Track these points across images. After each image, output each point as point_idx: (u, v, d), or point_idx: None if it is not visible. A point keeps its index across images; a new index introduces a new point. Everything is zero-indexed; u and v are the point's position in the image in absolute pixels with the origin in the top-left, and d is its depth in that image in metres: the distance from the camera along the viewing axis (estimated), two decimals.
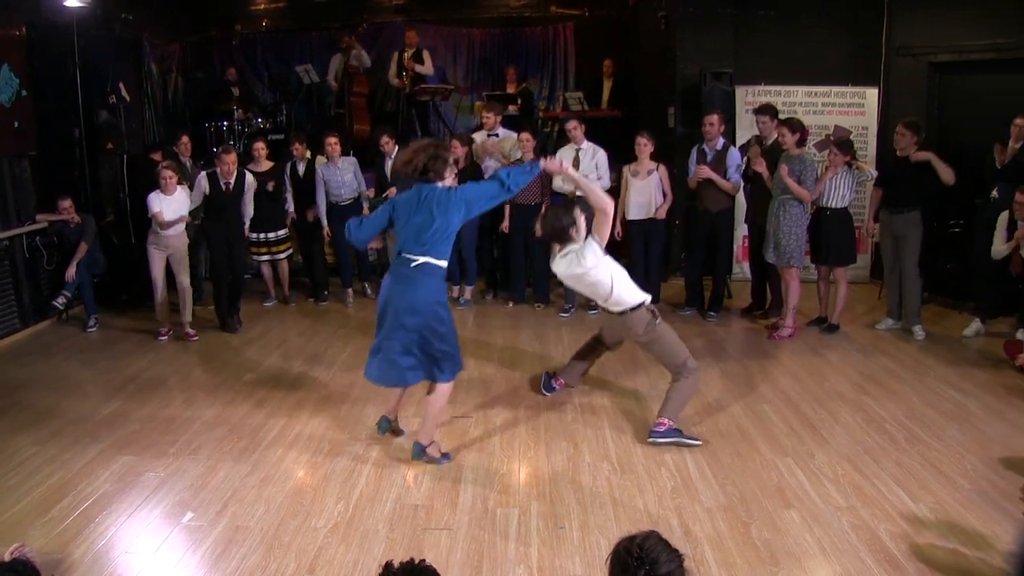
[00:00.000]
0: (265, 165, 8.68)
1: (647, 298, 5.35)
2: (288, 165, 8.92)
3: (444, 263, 4.89)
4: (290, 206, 8.99)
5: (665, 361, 5.47)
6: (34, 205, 8.47)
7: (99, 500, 4.69)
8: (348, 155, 9.24)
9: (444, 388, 5.03)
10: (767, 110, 7.90)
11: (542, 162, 5.09)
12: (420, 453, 5.04)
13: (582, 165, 8.07)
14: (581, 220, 5.25)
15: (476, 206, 4.93)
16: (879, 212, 7.60)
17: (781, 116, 7.83)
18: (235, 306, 8.29)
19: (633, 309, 5.29)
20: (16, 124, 8.23)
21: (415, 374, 4.93)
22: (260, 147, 8.73)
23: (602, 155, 8.20)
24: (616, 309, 5.35)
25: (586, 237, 5.24)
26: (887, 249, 7.59)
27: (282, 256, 8.99)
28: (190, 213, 8.01)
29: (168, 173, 7.69)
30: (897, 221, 7.36)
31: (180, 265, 7.97)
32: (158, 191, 7.71)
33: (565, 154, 8.21)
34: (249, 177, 8.21)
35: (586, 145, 8.19)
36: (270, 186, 8.58)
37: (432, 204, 4.79)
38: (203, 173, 8.09)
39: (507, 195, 4.96)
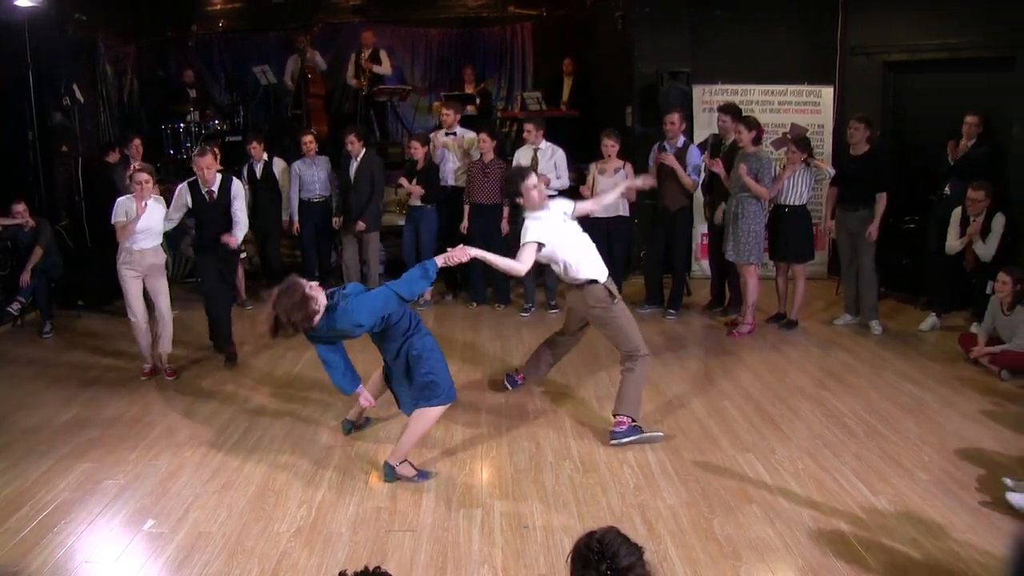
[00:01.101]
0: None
1: (605, 275, 5.38)
2: (245, 167, 8.84)
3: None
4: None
5: (620, 342, 5.42)
6: None
7: (57, 509, 4.61)
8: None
9: (428, 413, 4.90)
10: (729, 109, 7.98)
11: (439, 260, 4.82)
12: (390, 473, 4.87)
13: (540, 165, 8.09)
14: (531, 191, 5.25)
15: (388, 318, 4.68)
16: (835, 209, 7.70)
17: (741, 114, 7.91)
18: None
19: (590, 282, 5.32)
20: None
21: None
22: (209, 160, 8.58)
23: (560, 155, 8.24)
24: (573, 282, 5.39)
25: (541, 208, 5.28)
26: (844, 246, 7.70)
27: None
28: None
29: (143, 177, 6.53)
30: (852, 218, 7.47)
31: (159, 287, 6.82)
32: (128, 197, 6.62)
33: (523, 154, 8.26)
34: (237, 184, 7.04)
35: (544, 145, 8.22)
36: None
37: (342, 326, 4.55)
38: (183, 183, 6.90)
39: (395, 302, 4.63)
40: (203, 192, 6.84)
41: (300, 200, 8.88)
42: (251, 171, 8.78)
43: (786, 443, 5.26)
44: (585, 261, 5.35)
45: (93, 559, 4.11)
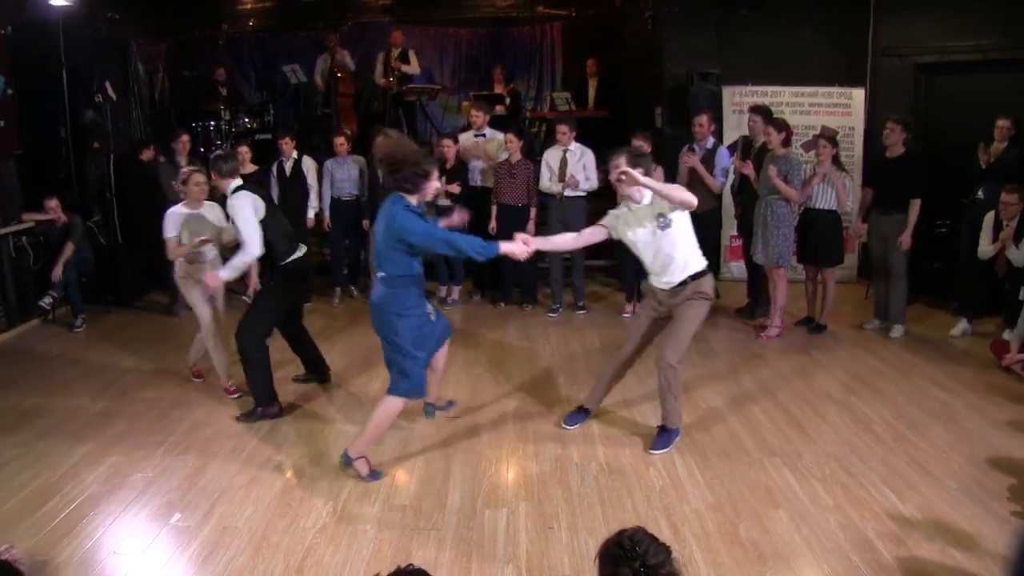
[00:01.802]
0: (249, 168, 8.64)
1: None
2: (275, 165, 8.88)
3: (401, 274, 4.72)
4: None
5: (675, 342, 5.19)
6: (20, 205, 8.43)
7: (86, 501, 4.67)
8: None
9: (389, 402, 4.88)
10: (760, 110, 7.92)
11: (502, 246, 4.79)
12: (348, 463, 4.91)
13: (570, 166, 8.08)
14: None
15: (406, 236, 4.62)
16: (869, 213, 7.62)
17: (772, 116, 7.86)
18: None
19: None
20: (1, 123, 8.18)
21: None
22: (244, 151, 8.68)
23: (590, 156, 8.21)
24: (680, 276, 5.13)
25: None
26: (876, 250, 7.62)
27: None
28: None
29: (200, 178, 6.13)
30: (886, 222, 7.39)
31: (221, 303, 6.42)
32: (180, 207, 6.18)
33: (552, 155, 8.23)
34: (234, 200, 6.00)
35: (574, 146, 8.19)
36: None
37: (386, 219, 4.69)
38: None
39: (443, 248, 4.72)
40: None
41: (331, 198, 8.91)
42: (280, 169, 8.81)
43: (813, 448, 5.22)
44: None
45: (121, 551, 4.16)
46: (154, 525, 4.41)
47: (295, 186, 8.79)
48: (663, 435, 5.28)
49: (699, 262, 5.14)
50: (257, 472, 5.01)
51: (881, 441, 5.30)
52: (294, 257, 5.82)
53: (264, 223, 5.62)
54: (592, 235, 5.28)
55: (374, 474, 4.89)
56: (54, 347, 7.73)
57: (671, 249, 5.05)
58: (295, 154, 8.86)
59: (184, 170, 6.35)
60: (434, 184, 4.83)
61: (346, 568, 3.95)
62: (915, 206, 7.18)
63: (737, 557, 3.98)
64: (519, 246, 4.87)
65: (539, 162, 8.37)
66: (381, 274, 4.77)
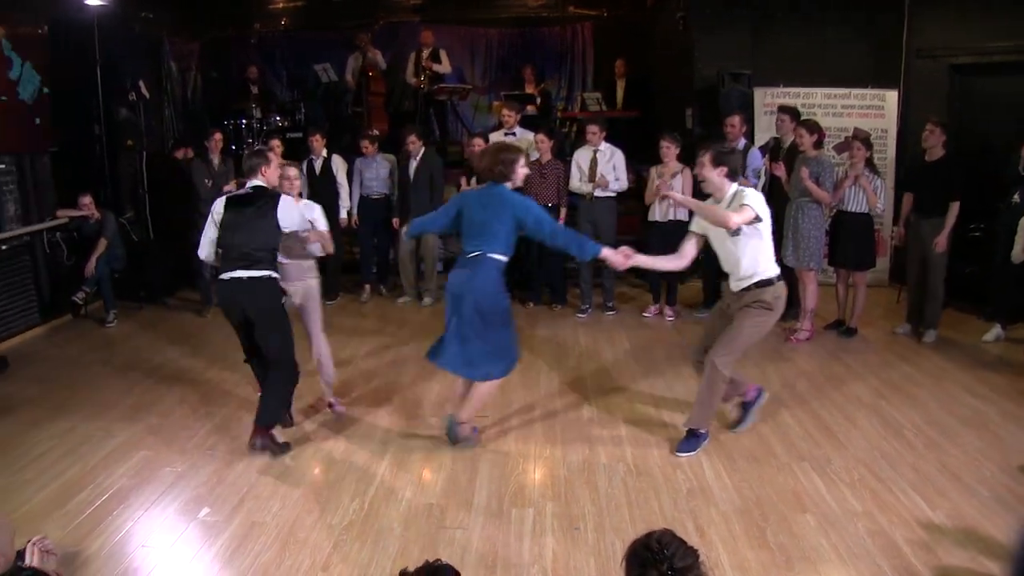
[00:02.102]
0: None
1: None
2: (304, 163, 8.93)
3: (502, 257, 5.07)
4: None
5: (724, 346, 5.10)
6: (54, 201, 8.55)
7: (116, 494, 4.72)
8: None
9: (489, 386, 5.23)
10: (788, 109, 7.87)
11: (604, 252, 5.01)
12: (453, 427, 5.25)
13: (600, 166, 8.06)
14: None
15: (524, 214, 5.01)
16: (909, 216, 7.52)
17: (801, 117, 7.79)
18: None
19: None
20: (37, 121, 8.30)
21: (453, 360, 5.15)
22: (276, 144, 8.74)
23: (619, 156, 8.19)
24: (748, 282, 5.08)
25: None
26: (913, 254, 7.51)
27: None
28: None
29: (293, 172, 5.70)
30: (925, 226, 7.27)
31: (313, 318, 5.83)
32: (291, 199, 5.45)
33: (582, 155, 8.22)
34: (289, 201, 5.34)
35: (604, 147, 8.17)
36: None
37: (495, 203, 5.02)
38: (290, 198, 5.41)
39: (549, 233, 5.05)
40: None
41: (360, 196, 8.95)
42: (310, 167, 8.86)
43: (842, 453, 5.16)
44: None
45: (149, 544, 4.20)
46: (182, 519, 4.44)
47: (325, 185, 8.82)
48: (691, 438, 5.24)
49: (767, 271, 5.04)
50: (285, 469, 5.04)
51: (912, 447, 5.23)
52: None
53: None
54: (691, 249, 5.28)
55: (475, 430, 5.37)
56: (86, 342, 7.82)
57: (740, 254, 5.01)
58: (325, 152, 8.91)
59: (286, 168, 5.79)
60: (523, 169, 5.16)
61: (372, 565, 3.96)
62: (954, 208, 7.08)
63: (764, 561, 3.95)
64: (620, 257, 5.03)
65: (569, 162, 8.36)
66: (475, 253, 5.02)
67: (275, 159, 5.41)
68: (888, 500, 4.54)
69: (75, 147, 8.98)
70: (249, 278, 5.07)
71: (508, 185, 5.09)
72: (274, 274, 5.18)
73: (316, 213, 5.64)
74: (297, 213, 5.30)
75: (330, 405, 5.93)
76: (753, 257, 5.00)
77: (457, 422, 5.23)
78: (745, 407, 5.51)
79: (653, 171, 8.07)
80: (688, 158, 8.22)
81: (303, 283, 5.69)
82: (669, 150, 7.85)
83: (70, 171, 8.83)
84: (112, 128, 9.43)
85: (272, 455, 5.17)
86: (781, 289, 5.07)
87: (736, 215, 4.79)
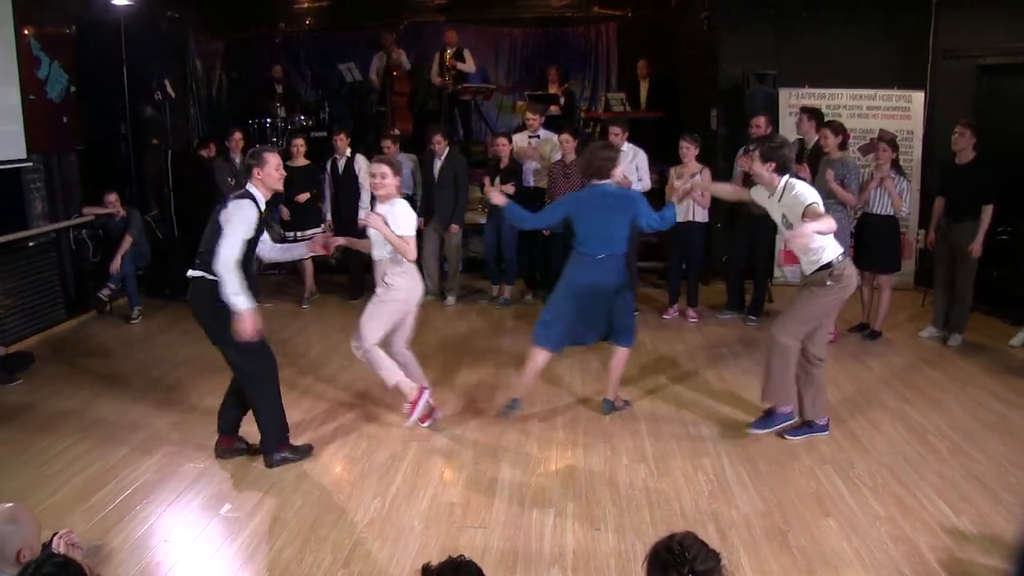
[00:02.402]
0: (301, 162, 8.74)
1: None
2: (328, 163, 8.96)
3: (623, 249, 5.55)
4: (327, 211, 9.02)
5: (782, 317, 5.38)
6: (81, 199, 8.63)
7: (139, 489, 4.76)
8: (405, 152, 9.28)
9: (623, 352, 5.77)
10: (810, 110, 7.83)
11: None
12: (609, 408, 5.84)
13: (622, 167, 8.02)
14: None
15: (641, 208, 5.47)
16: (940, 220, 7.44)
17: (824, 119, 7.74)
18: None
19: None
20: (64, 119, 8.39)
21: (593, 336, 5.77)
22: (299, 143, 8.80)
23: (642, 156, 8.16)
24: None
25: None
26: (941, 258, 7.42)
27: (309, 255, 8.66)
28: None
29: (383, 169, 5.39)
30: (956, 230, 7.19)
31: (401, 332, 5.63)
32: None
33: None
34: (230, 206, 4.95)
35: (626, 147, 8.12)
36: (301, 198, 8.66)
37: (610, 203, 5.45)
38: (249, 201, 4.92)
39: (656, 225, 5.52)
40: None
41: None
42: (334, 166, 8.89)
43: (865, 457, 5.12)
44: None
45: (171, 539, 4.23)
46: (204, 515, 4.48)
47: (347, 184, 8.85)
48: (767, 417, 5.43)
49: (825, 256, 5.11)
50: (307, 466, 5.06)
51: (936, 452, 5.18)
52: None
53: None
54: (744, 192, 5.84)
55: (627, 403, 5.97)
56: (111, 338, 7.89)
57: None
58: (348, 152, 8.91)
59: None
60: (619, 168, 5.80)
61: (392, 562, 3.97)
62: (987, 212, 6.98)
63: (785, 565, 3.93)
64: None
65: None
66: (605, 255, 5.45)
67: (270, 160, 4.98)
68: (912, 505, 4.50)
69: (101, 145, 9.07)
70: (190, 276, 4.92)
71: (609, 182, 5.51)
72: (208, 275, 4.78)
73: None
74: (249, 214, 4.85)
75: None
76: (808, 247, 5.09)
77: (611, 400, 5.87)
78: (773, 417, 5.47)
79: (672, 172, 8.04)
80: (711, 159, 8.21)
81: (385, 281, 5.46)
82: (688, 150, 7.81)
83: (96, 169, 8.92)
84: (138, 127, 9.52)
85: (295, 462, 5.12)
86: (840, 270, 5.11)
87: (815, 224, 4.73)
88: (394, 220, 5.27)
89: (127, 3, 8.71)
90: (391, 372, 5.45)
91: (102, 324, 8.41)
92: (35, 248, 8.04)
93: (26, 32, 7.69)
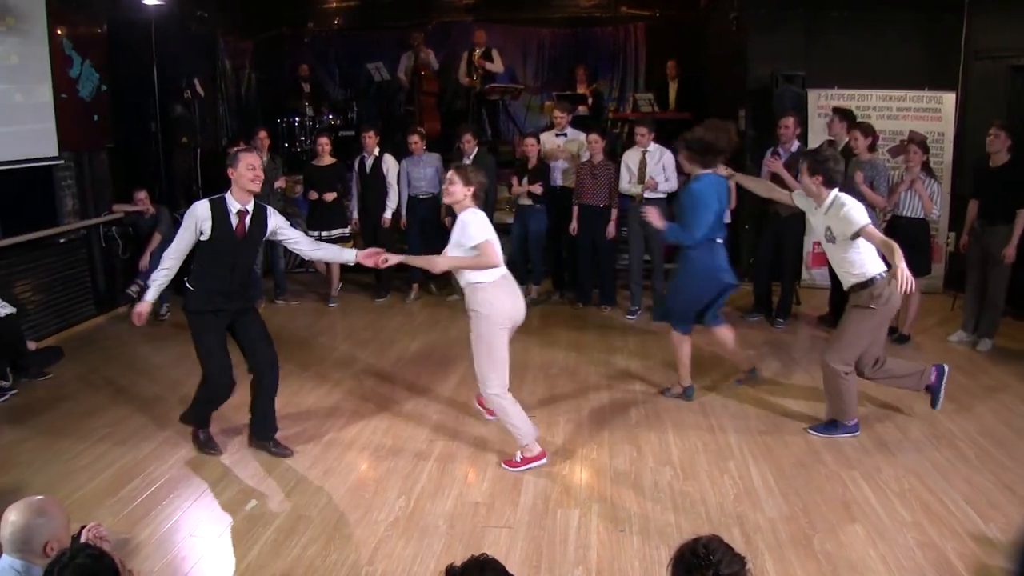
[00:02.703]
0: (327, 160, 8.77)
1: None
2: (356, 161, 8.99)
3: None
4: (354, 210, 9.04)
5: (831, 341, 5.52)
6: (110, 196, 8.73)
7: (166, 483, 4.82)
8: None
9: (725, 330, 6.11)
10: (841, 111, 7.76)
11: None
12: (755, 375, 6.38)
13: (648, 167, 8.01)
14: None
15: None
16: (974, 224, 7.34)
17: (856, 120, 7.67)
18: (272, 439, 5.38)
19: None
20: (96, 118, 8.48)
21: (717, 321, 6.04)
22: (324, 142, 8.83)
23: (669, 157, 8.11)
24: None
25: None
26: (974, 261, 7.32)
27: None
28: None
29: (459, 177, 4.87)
30: (989, 233, 7.08)
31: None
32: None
33: (631, 156, 8.17)
34: (274, 214, 5.17)
35: (652, 147, 8.10)
36: (328, 197, 8.66)
37: (720, 189, 5.75)
38: (203, 202, 5.08)
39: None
40: (232, 219, 5.04)
41: (408, 196, 8.97)
42: (361, 165, 8.91)
43: (893, 462, 5.06)
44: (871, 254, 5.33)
45: (197, 534, 4.27)
46: (230, 511, 4.51)
47: (374, 183, 8.87)
48: (829, 424, 5.50)
49: (865, 273, 5.15)
50: (333, 464, 5.08)
51: (964, 458, 5.11)
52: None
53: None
54: (773, 189, 6.07)
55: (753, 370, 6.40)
56: (140, 334, 7.93)
57: (835, 259, 5.31)
58: (377, 151, 8.92)
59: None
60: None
61: (416, 561, 3.98)
62: (1021, 216, 6.89)
63: (810, 570, 3.89)
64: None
65: (619, 163, 8.32)
66: (720, 239, 5.78)
67: (242, 160, 4.94)
68: (939, 512, 4.44)
69: (131, 144, 9.16)
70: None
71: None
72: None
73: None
74: (187, 220, 5.08)
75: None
76: (849, 260, 5.18)
77: (753, 369, 6.35)
78: (837, 427, 5.48)
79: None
80: (739, 160, 8.14)
81: (473, 310, 4.88)
82: (828, 151, 7.75)
83: (126, 167, 9.02)
84: (168, 125, 9.60)
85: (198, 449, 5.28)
86: (881, 288, 5.11)
87: (900, 259, 4.73)
88: (463, 232, 4.75)
89: (158, 3, 8.80)
90: (521, 425, 4.91)
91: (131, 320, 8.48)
92: (66, 245, 8.14)
93: (58, 32, 7.78)
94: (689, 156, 5.69)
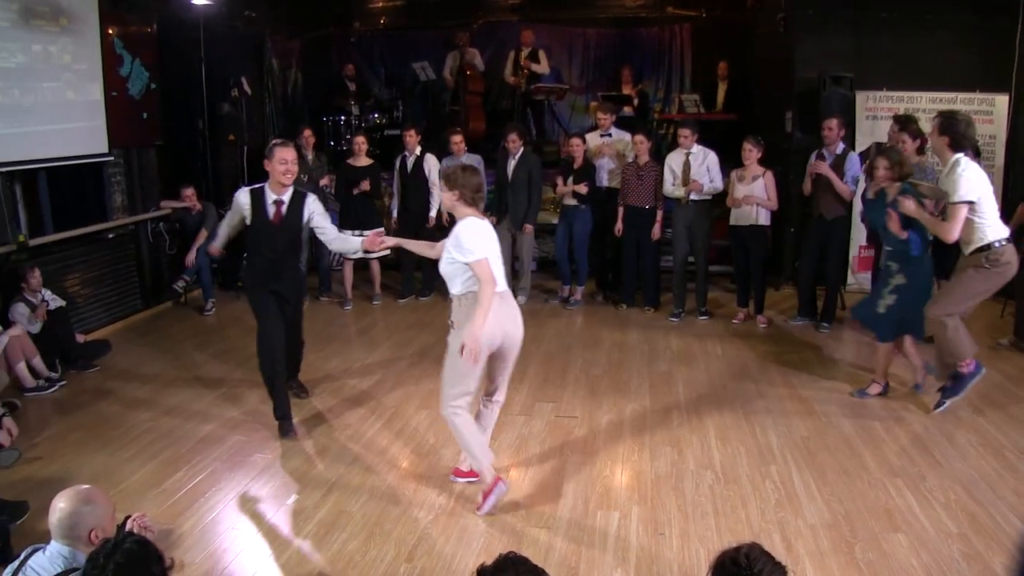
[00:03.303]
0: (364, 161, 8.77)
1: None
2: (398, 160, 9.01)
3: None
4: (394, 209, 9.05)
5: (939, 295, 5.66)
6: (158, 193, 8.88)
7: (209, 476, 4.88)
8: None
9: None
10: (901, 119, 7.59)
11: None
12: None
13: (692, 169, 7.95)
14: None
15: None
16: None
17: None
18: (294, 379, 6.15)
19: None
20: (145, 116, 8.63)
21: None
22: (360, 141, 8.78)
23: (713, 158, 8.06)
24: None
25: None
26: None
27: (374, 256, 8.46)
28: None
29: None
30: None
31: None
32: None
33: (675, 159, 8.11)
34: (312, 201, 5.53)
35: (696, 149, 8.04)
36: (364, 185, 8.55)
37: None
38: (244, 190, 5.52)
39: None
40: (268, 206, 5.43)
41: None
42: (403, 163, 8.93)
43: (938, 471, 4.97)
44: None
45: (238, 527, 4.33)
46: (271, 504, 4.56)
47: (415, 182, 8.87)
48: (954, 383, 5.63)
49: (984, 239, 5.33)
50: (374, 460, 5.12)
51: (1012, 469, 5.00)
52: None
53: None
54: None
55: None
56: (185, 328, 8.08)
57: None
58: (419, 150, 8.92)
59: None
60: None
61: (455, 559, 3.99)
62: None
63: None
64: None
65: (663, 164, 8.26)
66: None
67: (276, 153, 5.31)
68: (985, 523, 4.35)
69: (179, 141, 9.31)
70: None
71: None
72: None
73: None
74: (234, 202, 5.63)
75: None
76: (968, 230, 5.32)
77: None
78: (960, 379, 5.66)
79: (733, 175, 7.93)
80: (785, 162, 8.05)
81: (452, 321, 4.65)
82: (751, 153, 7.71)
83: (174, 164, 9.17)
84: (215, 123, 9.73)
85: None
86: (999, 252, 5.30)
87: (951, 225, 5.18)
88: (457, 245, 4.42)
89: (206, 3, 8.92)
90: (476, 449, 4.52)
91: (177, 315, 8.63)
92: (114, 240, 8.29)
93: (110, 31, 7.93)
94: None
